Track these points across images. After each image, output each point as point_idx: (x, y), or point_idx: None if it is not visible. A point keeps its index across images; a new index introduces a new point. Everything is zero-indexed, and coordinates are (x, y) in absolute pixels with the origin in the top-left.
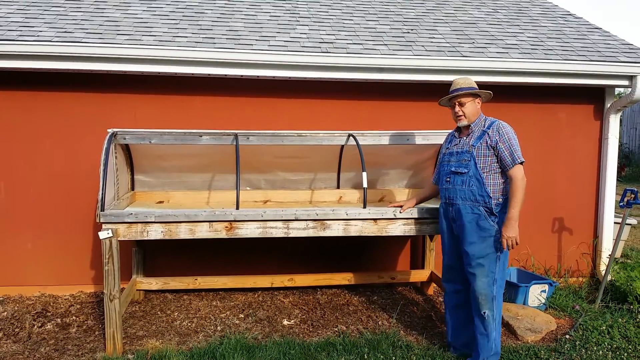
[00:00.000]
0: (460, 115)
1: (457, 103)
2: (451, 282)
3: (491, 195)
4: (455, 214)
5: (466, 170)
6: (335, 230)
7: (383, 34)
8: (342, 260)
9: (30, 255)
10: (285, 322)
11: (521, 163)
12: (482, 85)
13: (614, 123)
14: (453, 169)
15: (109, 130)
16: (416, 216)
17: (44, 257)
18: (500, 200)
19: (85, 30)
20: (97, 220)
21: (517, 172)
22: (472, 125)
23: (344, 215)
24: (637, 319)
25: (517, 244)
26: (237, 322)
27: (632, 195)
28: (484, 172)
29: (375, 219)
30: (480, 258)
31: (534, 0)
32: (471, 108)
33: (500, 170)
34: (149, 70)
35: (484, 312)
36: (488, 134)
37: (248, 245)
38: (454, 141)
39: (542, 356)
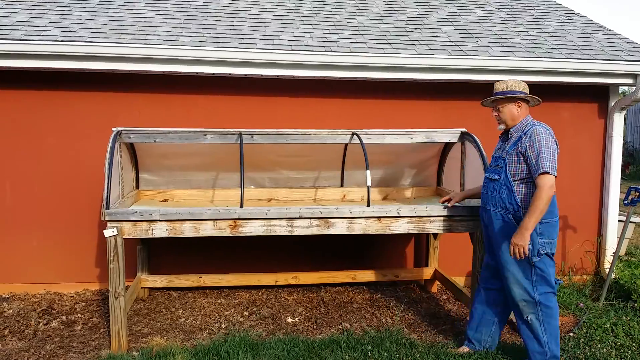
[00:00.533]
0: (498, 120)
1: (494, 107)
2: (485, 280)
3: (520, 204)
4: (487, 220)
5: (498, 177)
6: (339, 228)
7: (387, 33)
8: (346, 258)
9: (36, 253)
10: (289, 320)
11: (546, 173)
12: (485, 84)
13: (618, 121)
14: (488, 174)
15: (113, 129)
16: (420, 214)
17: (49, 255)
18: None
19: (90, 30)
20: (102, 219)
21: (542, 181)
22: (511, 130)
23: (348, 213)
24: None
25: (525, 254)
26: (242, 319)
27: (637, 194)
28: (514, 180)
29: (379, 217)
30: (511, 265)
31: None
32: (509, 113)
33: (532, 178)
34: (153, 69)
35: (527, 317)
36: (522, 139)
37: (252, 243)
38: (499, 144)
39: None
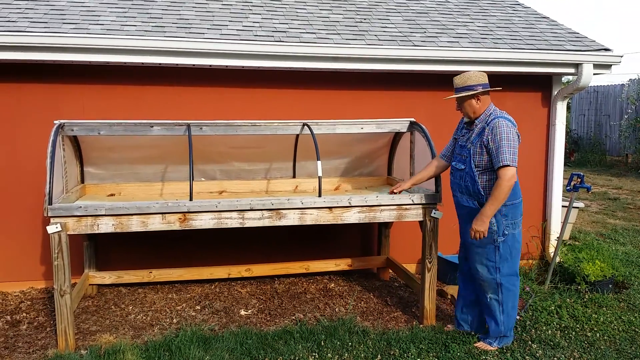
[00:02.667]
0: (461, 112)
1: (456, 103)
2: (461, 260)
3: (483, 192)
4: (456, 205)
5: (463, 167)
6: (291, 219)
7: (336, 23)
8: (300, 249)
9: None
10: (243, 312)
11: (506, 165)
12: (433, 74)
13: (561, 110)
14: (454, 164)
15: (55, 121)
16: (371, 204)
17: None
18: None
19: (30, 19)
20: (45, 215)
21: (502, 173)
22: (476, 121)
23: (300, 204)
24: (585, 299)
25: (484, 236)
26: (194, 314)
27: (579, 180)
28: (477, 170)
29: (330, 208)
30: (477, 247)
31: None
32: (469, 107)
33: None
34: (96, 60)
35: (489, 297)
36: (485, 131)
37: (204, 236)
38: (463, 131)
39: None
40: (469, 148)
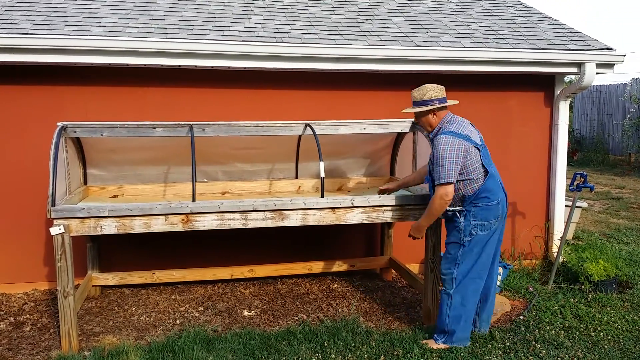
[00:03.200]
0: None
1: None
2: None
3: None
4: None
5: (429, 180)
6: (294, 220)
7: (338, 24)
8: (303, 250)
9: None
10: (246, 313)
11: (440, 184)
12: (435, 74)
13: (563, 109)
14: (427, 175)
15: (58, 123)
16: (374, 204)
17: None
18: (463, 196)
19: (32, 22)
20: (48, 216)
21: (436, 190)
22: (431, 135)
23: (302, 205)
24: (588, 299)
25: (419, 238)
26: (197, 315)
27: (582, 179)
28: (433, 184)
29: (333, 208)
30: (447, 244)
31: None
32: (424, 121)
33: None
34: (99, 61)
35: (442, 290)
36: (433, 145)
37: (207, 237)
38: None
39: (496, 337)
40: (429, 163)
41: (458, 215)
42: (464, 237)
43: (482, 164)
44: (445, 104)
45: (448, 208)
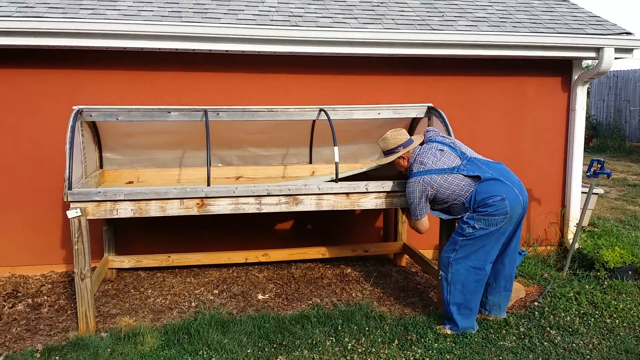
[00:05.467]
0: None
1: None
2: None
3: (448, 214)
4: None
5: None
6: (308, 205)
7: (353, 7)
8: (317, 234)
9: None
10: (260, 297)
11: (416, 220)
12: (451, 59)
13: (581, 95)
14: None
15: (74, 107)
16: (388, 189)
17: (13, 238)
18: (462, 202)
19: (48, 5)
20: (65, 199)
21: (416, 223)
22: (405, 173)
23: (316, 190)
24: (604, 286)
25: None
26: (212, 297)
27: (599, 166)
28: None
29: (347, 193)
30: (445, 223)
31: None
32: (397, 164)
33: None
34: (114, 45)
35: (440, 275)
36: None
37: (222, 221)
38: None
39: (511, 323)
40: None
41: (464, 210)
42: (466, 228)
43: (464, 175)
44: (409, 147)
45: (454, 216)
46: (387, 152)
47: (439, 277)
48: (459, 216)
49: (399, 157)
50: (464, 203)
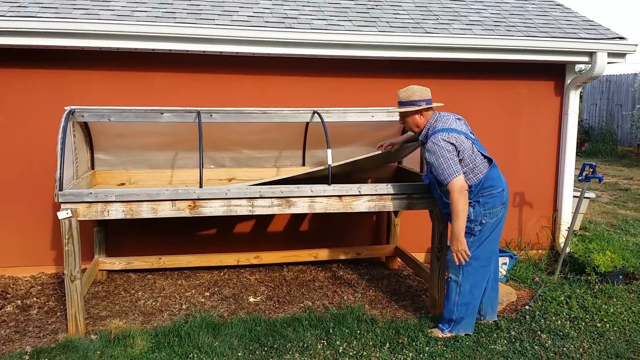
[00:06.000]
0: (403, 127)
1: (399, 117)
2: None
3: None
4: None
5: (428, 182)
6: (301, 207)
7: (347, 10)
8: (309, 237)
9: None
10: (252, 299)
11: (449, 182)
12: (445, 62)
13: (574, 99)
14: (423, 177)
15: (66, 107)
16: (381, 192)
17: (2, 238)
18: (470, 186)
19: (41, 5)
20: (56, 200)
21: (450, 188)
22: (420, 137)
23: (309, 192)
24: (595, 290)
25: (468, 255)
26: (203, 300)
27: (591, 170)
28: (438, 184)
29: (340, 196)
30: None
31: None
32: (411, 122)
33: None
34: (107, 45)
35: (449, 277)
36: (425, 152)
37: (214, 223)
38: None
39: (502, 326)
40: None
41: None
42: (475, 226)
43: (481, 153)
44: (432, 105)
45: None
46: (407, 103)
47: (447, 280)
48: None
49: (416, 112)
50: (471, 186)
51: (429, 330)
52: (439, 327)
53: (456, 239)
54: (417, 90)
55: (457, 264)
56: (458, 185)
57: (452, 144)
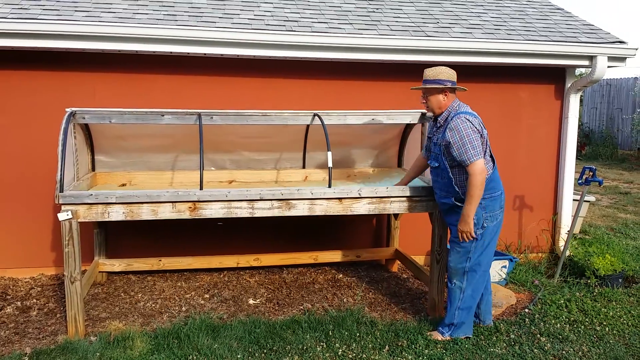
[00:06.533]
0: (425, 106)
1: (422, 95)
2: None
3: (458, 189)
4: (438, 202)
5: (437, 164)
6: (301, 209)
7: (348, 13)
8: (309, 239)
9: None
10: (251, 302)
11: (472, 163)
12: (446, 65)
13: (574, 103)
14: (430, 162)
15: (67, 109)
16: (381, 195)
17: (2, 240)
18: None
19: (42, 7)
20: (56, 202)
21: (471, 170)
22: (439, 118)
23: (309, 194)
24: (594, 293)
25: (472, 236)
26: (202, 302)
27: (590, 173)
28: (451, 167)
29: (340, 199)
30: (456, 238)
31: None
32: (434, 101)
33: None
34: (109, 48)
35: (453, 283)
36: (446, 131)
37: (214, 225)
38: (434, 129)
39: (502, 330)
40: (439, 145)
41: None
42: (477, 230)
43: (490, 153)
44: (456, 87)
45: (456, 202)
46: (433, 81)
47: (451, 286)
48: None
49: (441, 91)
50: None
51: (429, 333)
52: (439, 330)
53: (465, 221)
54: (444, 71)
55: (466, 242)
56: (480, 167)
57: (477, 128)
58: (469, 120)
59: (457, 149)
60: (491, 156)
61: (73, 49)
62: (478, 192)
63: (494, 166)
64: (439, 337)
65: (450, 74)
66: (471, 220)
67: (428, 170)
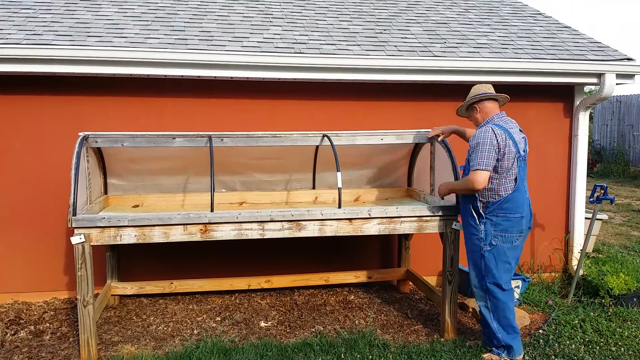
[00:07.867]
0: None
1: (473, 110)
2: None
3: (475, 195)
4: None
5: (463, 170)
6: (311, 230)
7: (356, 34)
8: (320, 261)
9: (2, 261)
10: (263, 324)
11: (476, 170)
12: (454, 85)
13: (583, 120)
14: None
15: (80, 133)
16: (391, 215)
17: (16, 264)
18: (487, 202)
19: (55, 32)
20: (69, 225)
21: (471, 174)
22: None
23: (319, 215)
24: (609, 313)
25: (442, 193)
26: (214, 325)
27: (602, 191)
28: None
29: (350, 219)
30: (469, 252)
31: (505, 0)
32: (472, 118)
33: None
34: (120, 72)
35: (480, 306)
36: (474, 134)
37: (225, 247)
38: None
39: None
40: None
41: (478, 223)
42: (483, 246)
43: (516, 173)
44: (488, 95)
45: (471, 221)
46: (465, 102)
47: (478, 310)
48: (473, 224)
49: (476, 107)
50: (488, 202)
51: (485, 356)
52: (494, 352)
53: (445, 186)
54: (471, 90)
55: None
56: (481, 178)
57: (498, 142)
58: (491, 131)
59: (471, 152)
60: (515, 179)
61: (86, 74)
62: (459, 188)
63: (514, 187)
64: (495, 358)
65: (477, 89)
66: (447, 191)
67: (436, 191)
